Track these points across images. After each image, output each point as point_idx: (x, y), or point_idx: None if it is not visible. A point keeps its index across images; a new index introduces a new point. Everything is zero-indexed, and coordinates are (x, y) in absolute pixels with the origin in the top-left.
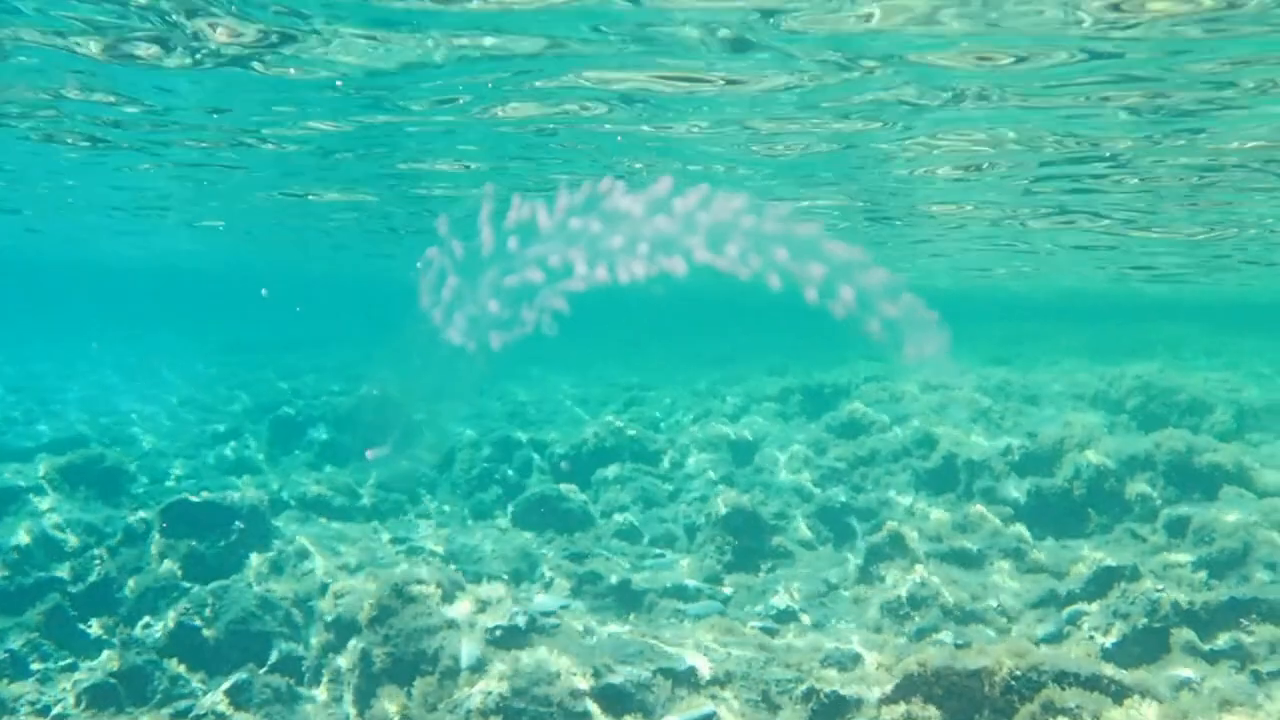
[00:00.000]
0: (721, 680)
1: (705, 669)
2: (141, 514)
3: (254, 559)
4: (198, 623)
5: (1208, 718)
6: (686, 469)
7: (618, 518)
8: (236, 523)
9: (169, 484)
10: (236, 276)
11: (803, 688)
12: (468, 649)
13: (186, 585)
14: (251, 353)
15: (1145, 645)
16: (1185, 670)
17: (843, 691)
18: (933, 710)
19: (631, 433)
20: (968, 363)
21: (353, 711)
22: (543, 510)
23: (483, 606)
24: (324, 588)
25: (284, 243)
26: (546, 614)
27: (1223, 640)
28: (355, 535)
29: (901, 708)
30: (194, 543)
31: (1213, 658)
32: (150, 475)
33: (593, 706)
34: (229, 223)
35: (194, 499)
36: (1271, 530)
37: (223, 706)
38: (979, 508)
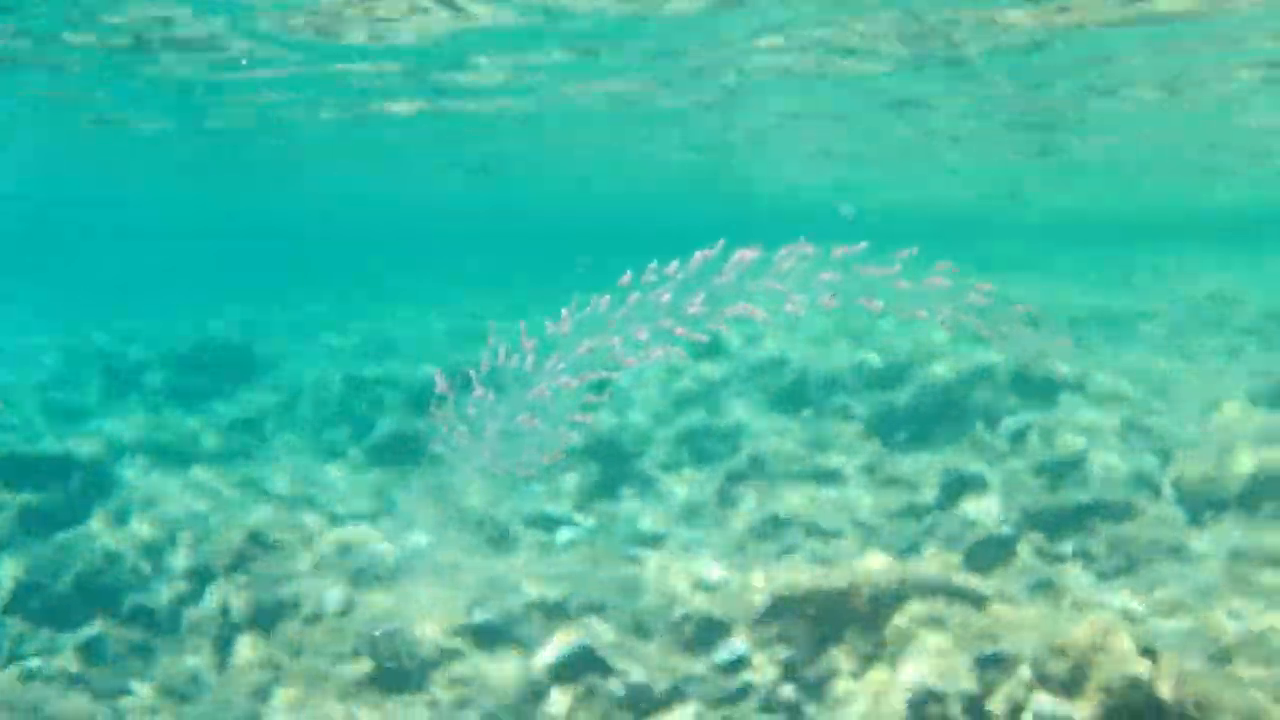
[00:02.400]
0: (593, 608)
1: (575, 600)
2: None
3: (97, 510)
4: (41, 579)
5: (1063, 618)
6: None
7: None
8: (76, 473)
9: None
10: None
11: (675, 612)
12: (331, 592)
13: (25, 540)
14: (88, 295)
15: (996, 549)
16: (1036, 573)
17: (713, 615)
18: (803, 627)
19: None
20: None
21: (213, 660)
22: (397, 447)
23: (344, 548)
24: (174, 537)
25: None
26: (410, 553)
27: (1067, 542)
28: (203, 480)
29: (774, 628)
30: (31, 496)
31: (1059, 559)
32: None
33: (463, 643)
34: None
35: (28, 450)
36: (1108, 434)
37: (74, 664)
38: (833, 424)
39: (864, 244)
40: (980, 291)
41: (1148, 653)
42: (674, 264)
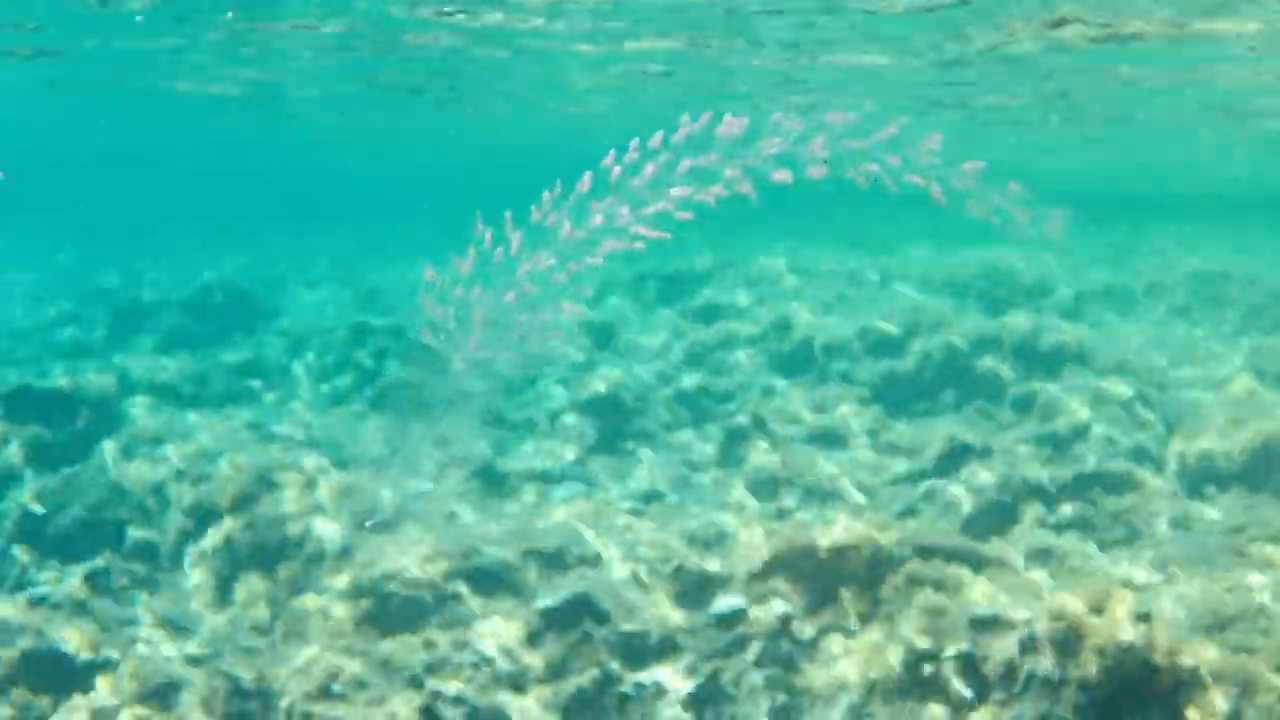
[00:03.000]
0: (590, 561)
1: (573, 550)
2: None
3: (105, 445)
4: (47, 510)
5: (1060, 585)
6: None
7: (479, 401)
8: (84, 409)
9: (8, 370)
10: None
11: (671, 566)
12: (333, 534)
13: (33, 473)
14: (102, 237)
15: (996, 517)
16: (1036, 541)
17: (710, 569)
18: (800, 584)
19: None
20: (826, 247)
21: (214, 596)
22: (401, 395)
23: (347, 491)
24: (179, 474)
25: None
26: (412, 499)
27: (1068, 511)
28: (209, 422)
29: (769, 584)
30: (40, 430)
31: (1060, 529)
32: None
33: (463, 588)
34: None
35: (38, 385)
36: (1111, 406)
37: (81, 592)
38: (836, 389)
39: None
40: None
41: (1143, 619)
42: (657, 136)
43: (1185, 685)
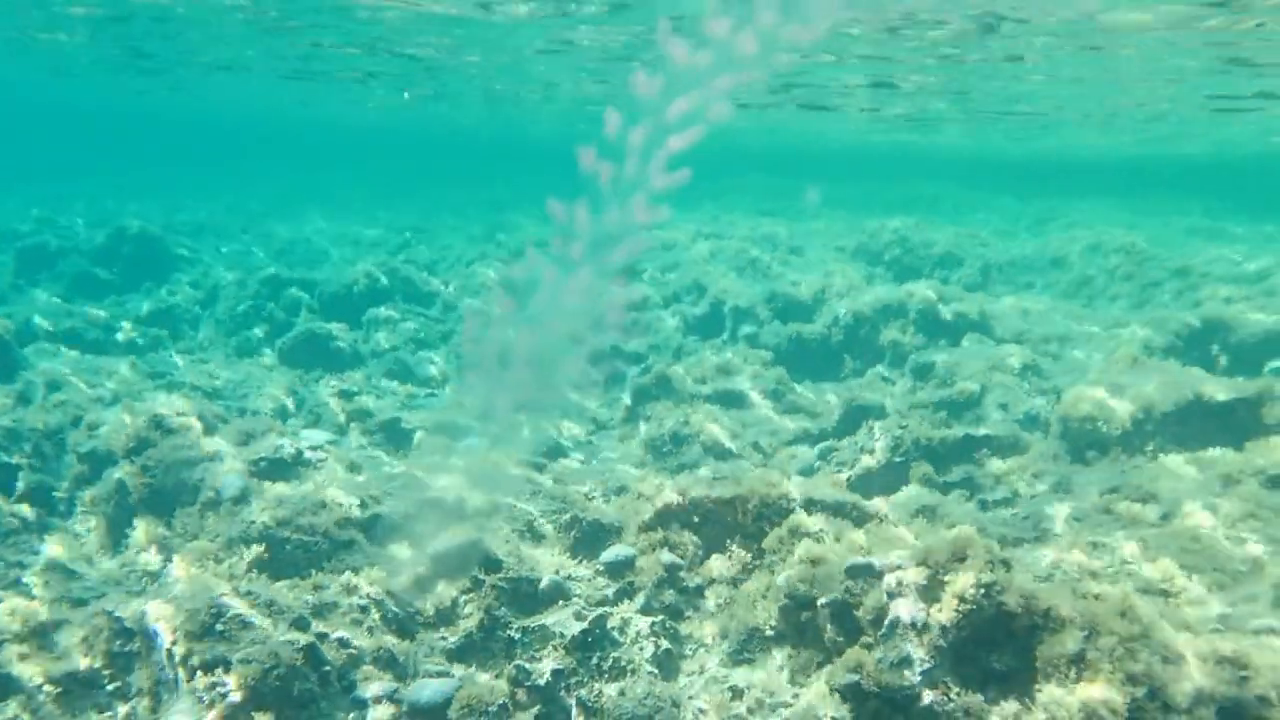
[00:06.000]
0: (487, 511)
1: (472, 500)
2: None
3: (0, 389)
4: None
5: (934, 536)
6: (459, 312)
7: (388, 358)
8: None
9: None
10: None
11: (566, 516)
12: (231, 480)
13: None
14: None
15: (888, 477)
16: (920, 500)
17: (604, 520)
18: (689, 535)
19: (404, 274)
20: (739, 214)
21: (107, 541)
22: (311, 348)
23: (246, 439)
24: (78, 420)
25: None
26: (313, 448)
27: (956, 473)
28: (111, 369)
29: (660, 534)
30: None
31: (946, 488)
32: None
33: (359, 536)
34: None
35: None
36: (1005, 374)
37: None
38: (743, 351)
39: None
40: None
41: (1002, 565)
42: None
43: (1037, 629)
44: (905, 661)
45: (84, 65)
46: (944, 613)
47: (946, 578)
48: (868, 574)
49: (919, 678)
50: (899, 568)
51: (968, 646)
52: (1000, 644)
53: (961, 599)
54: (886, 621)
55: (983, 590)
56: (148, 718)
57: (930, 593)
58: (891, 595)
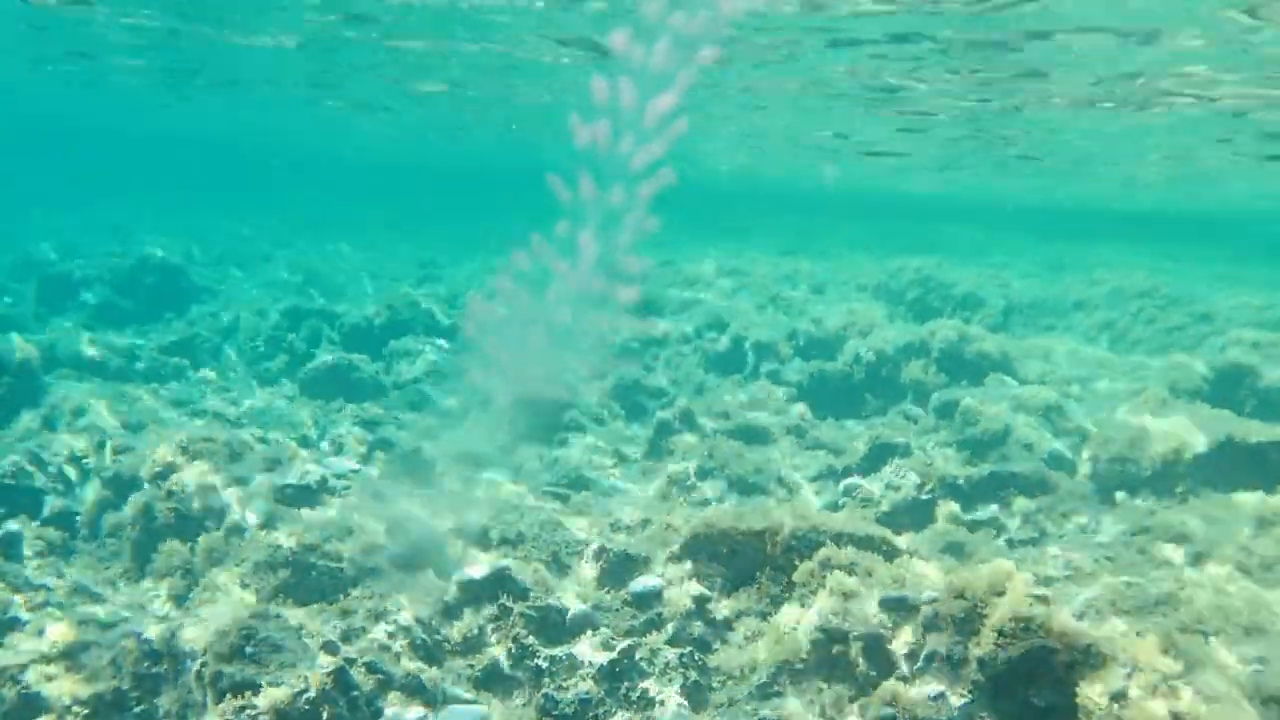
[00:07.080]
0: (513, 541)
1: (496, 530)
2: None
3: (25, 415)
4: None
5: (969, 572)
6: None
7: (409, 389)
8: (5, 377)
9: None
10: None
11: (592, 547)
12: (256, 506)
13: None
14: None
15: (914, 514)
16: (949, 537)
17: (631, 551)
18: (717, 568)
19: (426, 306)
20: (762, 252)
21: (132, 565)
22: (333, 379)
23: (272, 465)
24: (101, 445)
25: None
26: (338, 476)
27: (982, 511)
28: (134, 397)
29: (688, 565)
30: None
31: (973, 526)
32: None
33: (384, 563)
34: None
35: None
36: (1029, 414)
37: None
38: (765, 387)
39: None
40: None
41: (1041, 601)
42: None
43: (1078, 665)
44: (942, 696)
45: (122, 88)
46: (982, 647)
47: (985, 611)
48: (902, 607)
49: (956, 713)
50: (935, 600)
51: (1006, 681)
52: (1039, 679)
53: (1000, 633)
54: (923, 655)
55: (1023, 624)
56: None
57: (967, 626)
58: (928, 628)
